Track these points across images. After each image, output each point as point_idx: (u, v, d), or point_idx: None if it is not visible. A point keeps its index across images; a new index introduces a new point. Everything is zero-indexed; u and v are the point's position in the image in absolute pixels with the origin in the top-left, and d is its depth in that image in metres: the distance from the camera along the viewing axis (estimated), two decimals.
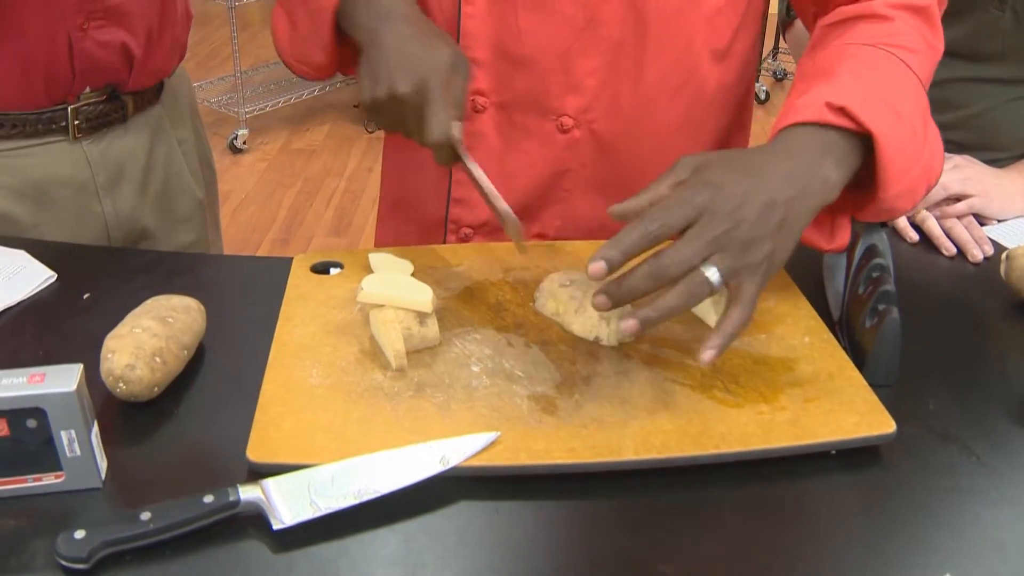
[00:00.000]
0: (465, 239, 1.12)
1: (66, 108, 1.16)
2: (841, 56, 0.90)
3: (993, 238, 1.12)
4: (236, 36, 3.85)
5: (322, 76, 1.04)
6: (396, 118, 0.90)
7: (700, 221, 0.75)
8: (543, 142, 1.05)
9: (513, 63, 1.01)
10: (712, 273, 0.74)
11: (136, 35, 1.18)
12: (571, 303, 0.89)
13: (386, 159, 1.23)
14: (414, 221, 1.18)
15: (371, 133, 4.13)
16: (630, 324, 0.75)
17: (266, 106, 4.07)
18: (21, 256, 1.02)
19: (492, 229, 1.11)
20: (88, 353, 0.79)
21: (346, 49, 0.98)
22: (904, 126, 0.85)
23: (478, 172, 0.90)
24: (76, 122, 1.17)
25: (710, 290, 0.74)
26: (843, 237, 0.92)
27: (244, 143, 3.91)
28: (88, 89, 1.17)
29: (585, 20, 0.98)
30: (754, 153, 0.83)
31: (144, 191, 1.28)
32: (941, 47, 0.95)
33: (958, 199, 1.14)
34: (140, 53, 1.19)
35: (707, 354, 0.74)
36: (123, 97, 1.22)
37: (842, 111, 0.82)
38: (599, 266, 0.74)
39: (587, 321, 0.87)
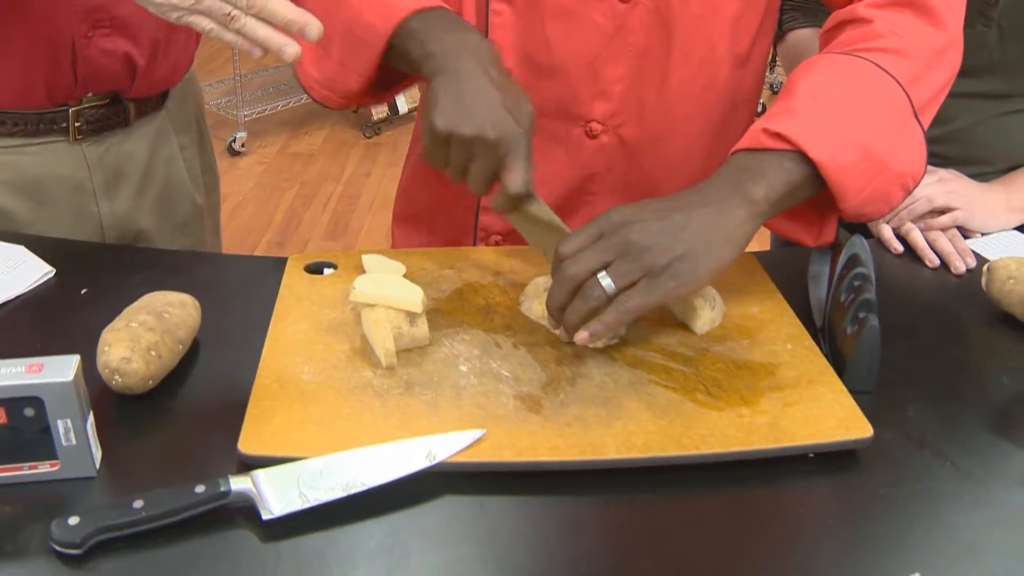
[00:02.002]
0: (494, 246, 1.13)
1: (67, 110, 1.18)
2: (807, 71, 0.93)
3: (976, 251, 1.14)
4: None
5: (345, 105, 1.02)
6: (462, 159, 0.87)
7: (601, 238, 0.84)
8: (571, 147, 1.07)
9: (541, 71, 1.03)
10: (605, 280, 0.82)
11: (140, 46, 1.19)
12: None
13: (407, 170, 1.24)
14: (438, 231, 1.19)
15: (369, 139, 4.15)
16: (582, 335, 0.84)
17: (265, 109, 4.09)
18: (20, 251, 1.04)
19: (504, 238, 1.13)
20: (85, 346, 0.81)
21: (378, 78, 0.97)
22: (862, 139, 0.87)
23: (549, 214, 0.91)
24: (77, 124, 1.19)
25: (603, 294, 0.82)
26: (829, 235, 0.95)
27: (242, 146, 3.93)
28: (90, 94, 1.19)
29: (613, 28, 0.99)
30: (679, 193, 0.89)
31: (142, 194, 1.29)
32: (944, 36, 0.94)
33: (942, 212, 1.16)
34: (143, 64, 1.21)
35: (581, 334, 0.84)
36: (125, 102, 1.23)
37: (779, 136, 0.86)
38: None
39: None
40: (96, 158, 1.22)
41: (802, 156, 0.86)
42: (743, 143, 0.89)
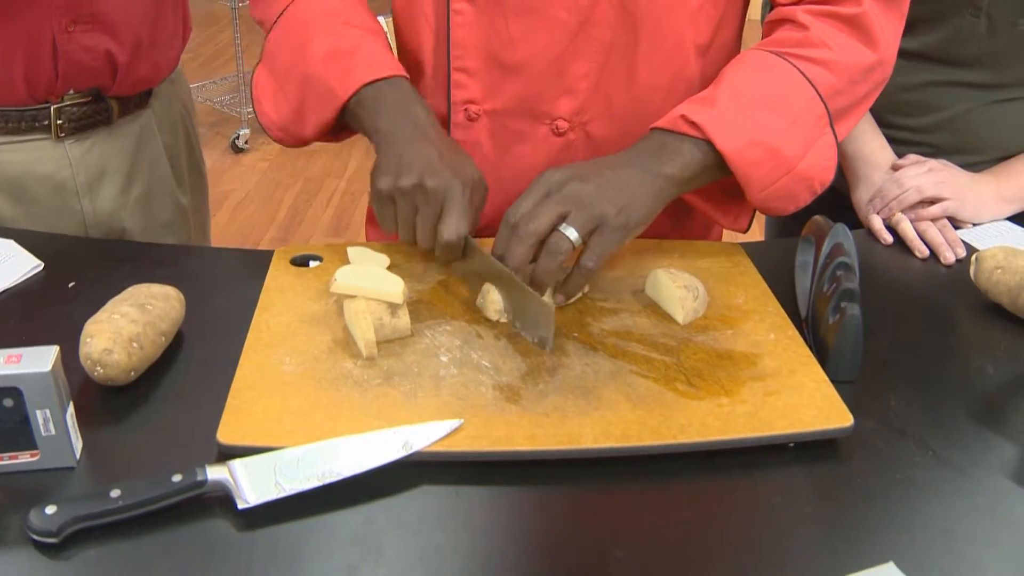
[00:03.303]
0: None
1: (49, 107, 1.18)
2: (738, 65, 0.98)
3: (967, 241, 1.13)
4: (240, 37, 3.88)
5: (300, 145, 1.07)
6: (407, 214, 0.91)
7: (548, 196, 0.88)
8: (538, 146, 1.06)
9: (505, 70, 1.02)
10: (568, 231, 0.86)
11: (122, 43, 1.19)
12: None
13: None
14: None
15: None
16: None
17: None
18: (9, 245, 1.04)
19: (490, 233, 1.12)
20: (70, 339, 0.81)
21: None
22: (772, 140, 0.93)
23: (496, 266, 0.90)
24: (59, 121, 1.19)
25: (570, 245, 0.86)
26: (744, 220, 1.06)
27: (246, 143, 3.94)
28: (72, 91, 1.19)
29: (577, 23, 0.98)
30: (599, 158, 0.95)
31: (126, 193, 1.29)
32: (874, 56, 0.98)
33: (933, 202, 1.16)
34: (124, 61, 1.20)
35: (558, 298, 0.91)
36: (108, 100, 1.23)
37: (694, 125, 0.93)
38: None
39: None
40: (79, 156, 1.22)
41: (712, 145, 0.93)
42: (662, 123, 0.96)
